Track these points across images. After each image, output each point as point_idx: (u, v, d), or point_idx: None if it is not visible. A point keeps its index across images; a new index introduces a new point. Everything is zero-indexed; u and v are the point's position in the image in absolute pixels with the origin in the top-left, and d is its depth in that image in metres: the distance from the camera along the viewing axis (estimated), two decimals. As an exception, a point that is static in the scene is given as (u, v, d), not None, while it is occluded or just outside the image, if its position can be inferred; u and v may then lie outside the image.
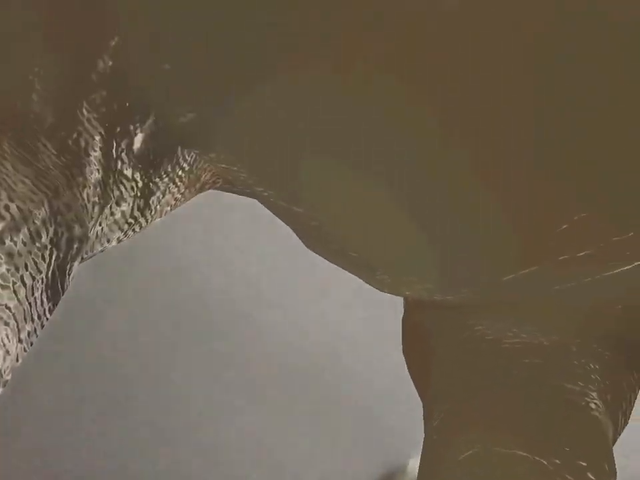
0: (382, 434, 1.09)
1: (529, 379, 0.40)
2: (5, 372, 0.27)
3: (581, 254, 0.32)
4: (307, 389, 1.07)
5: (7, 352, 0.27)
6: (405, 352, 0.48)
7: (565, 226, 0.31)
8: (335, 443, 1.10)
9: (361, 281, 0.41)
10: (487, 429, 0.38)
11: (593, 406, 0.40)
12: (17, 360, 0.28)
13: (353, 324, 1.02)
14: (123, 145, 0.35)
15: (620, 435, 0.42)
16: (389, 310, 1.01)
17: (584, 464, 0.36)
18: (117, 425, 1.06)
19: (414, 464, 1.05)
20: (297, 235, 0.42)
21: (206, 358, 1.06)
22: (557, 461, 0.36)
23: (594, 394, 0.40)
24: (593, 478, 0.36)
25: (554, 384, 0.40)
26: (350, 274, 0.41)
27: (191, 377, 1.06)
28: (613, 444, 0.41)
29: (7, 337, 0.27)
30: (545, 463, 0.36)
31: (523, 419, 0.39)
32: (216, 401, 1.08)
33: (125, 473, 1.05)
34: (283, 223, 0.40)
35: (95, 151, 0.34)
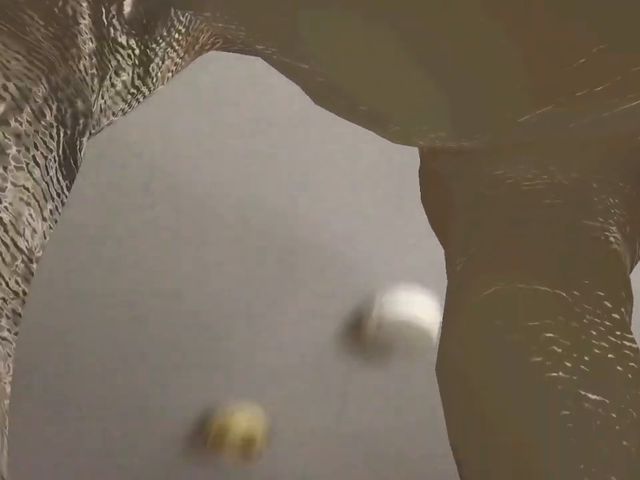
0: (348, 274, 1.13)
1: (549, 219, 0.41)
2: (35, 249, 0.28)
3: (599, 88, 0.31)
4: (271, 241, 1.09)
5: (34, 230, 0.28)
6: (423, 201, 0.48)
7: (582, 60, 0.30)
8: (305, 286, 1.13)
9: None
10: (508, 269, 0.39)
11: (612, 239, 0.41)
12: (45, 237, 0.29)
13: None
14: (113, 11, 0.34)
15: (638, 261, 0.44)
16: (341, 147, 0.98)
17: (602, 294, 0.38)
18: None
19: (381, 299, 1.10)
20: (305, 92, 0.41)
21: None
22: (577, 293, 0.38)
23: (613, 228, 0.41)
24: (609, 305, 0.38)
25: (575, 222, 0.41)
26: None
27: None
28: (631, 270, 0.42)
29: (31, 216, 0.28)
30: (565, 295, 0.37)
31: (543, 256, 0.39)
32: (199, 262, 1.11)
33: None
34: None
35: (84, 18, 0.32)
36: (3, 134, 0.28)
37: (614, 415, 0.34)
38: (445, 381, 0.38)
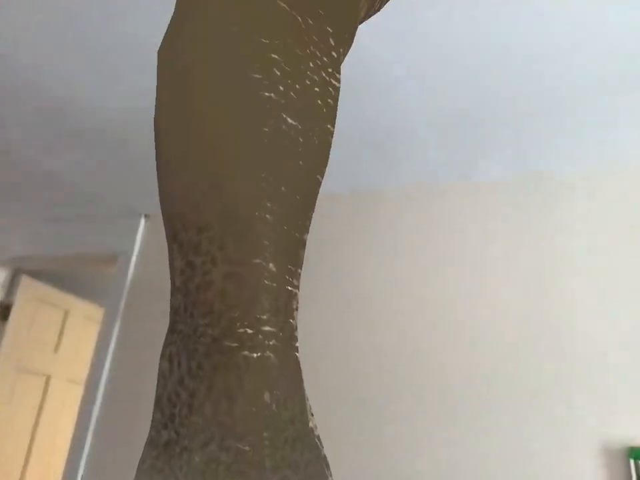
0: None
1: None
2: None
3: None
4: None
5: None
6: None
7: None
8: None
9: None
10: None
11: None
12: None
13: None
14: None
15: (373, 14, 0.49)
16: None
17: (330, 30, 0.41)
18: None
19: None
20: None
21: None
22: (310, 21, 0.40)
23: None
24: (332, 43, 0.41)
25: None
26: None
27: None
28: (362, 21, 0.47)
29: None
30: (299, 19, 0.40)
31: None
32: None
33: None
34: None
35: None
36: None
37: (301, 140, 0.38)
38: (166, 66, 0.40)
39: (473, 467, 1.57)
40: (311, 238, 2.05)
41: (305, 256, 2.08)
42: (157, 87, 0.40)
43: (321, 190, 1.96)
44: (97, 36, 1.43)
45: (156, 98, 0.41)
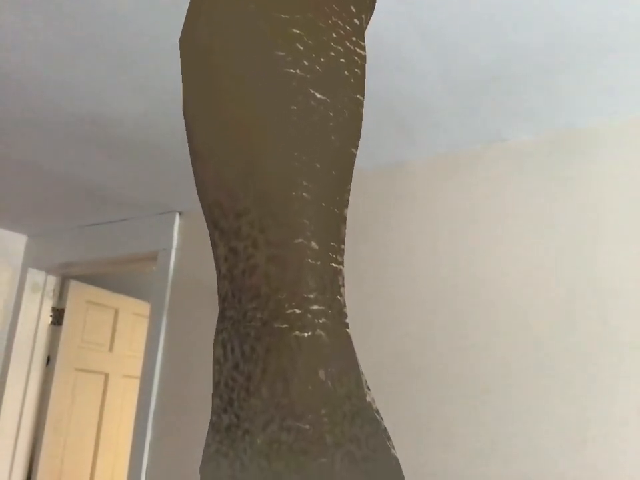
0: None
1: None
2: None
3: None
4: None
5: None
6: None
7: None
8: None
9: None
10: None
11: None
12: None
13: None
14: None
15: None
16: None
17: None
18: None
19: None
20: None
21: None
22: None
23: None
24: (354, 10, 0.40)
25: None
26: None
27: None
28: None
29: None
30: None
31: None
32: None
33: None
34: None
35: None
36: None
37: (331, 114, 0.37)
38: (188, 53, 0.39)
39: (520, 444, 1.55)
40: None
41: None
42: (182, 75, 0.40)
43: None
44: (117, 38, 1.44)
45: (182, 87, 0.41)
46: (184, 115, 0.40)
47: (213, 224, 0.38)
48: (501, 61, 1.49)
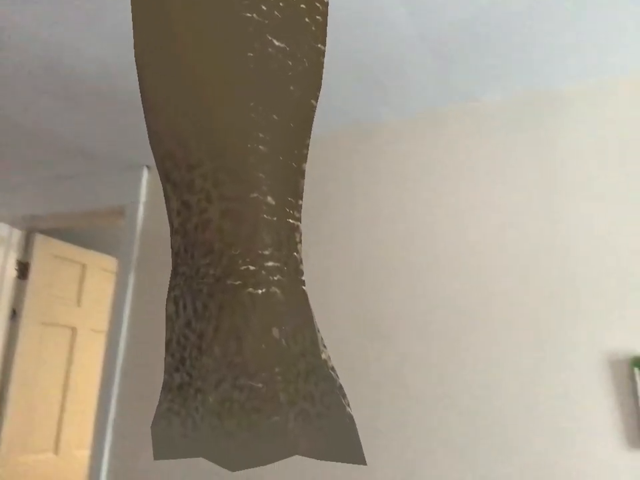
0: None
1: None
2: None
3: None
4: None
5: None
6: None
7: None
8: None
9: None
10: None
11: None
12: None
13: None
14: None
15: None
16: None
17: None
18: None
19: None
20: None
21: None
22: None
23: None
24: None
25: None
26: None
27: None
28: None
29: None
30: None
31: None
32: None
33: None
34: None
35: None
36: None
37: (290, 63, 0.36)
38: None
39: (484, 386, 1.60)
40: (314, 175, 2.02)
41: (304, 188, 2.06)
42: (132, 20, 0.37)
43: (320, 125, 1.91)
44: (75, -23, 1.36)
45: (133, 32, 0.38)
46: (136, 60, 0.37)
47: (165, 176, 0.37)
48: (477, 21, 1.46)
